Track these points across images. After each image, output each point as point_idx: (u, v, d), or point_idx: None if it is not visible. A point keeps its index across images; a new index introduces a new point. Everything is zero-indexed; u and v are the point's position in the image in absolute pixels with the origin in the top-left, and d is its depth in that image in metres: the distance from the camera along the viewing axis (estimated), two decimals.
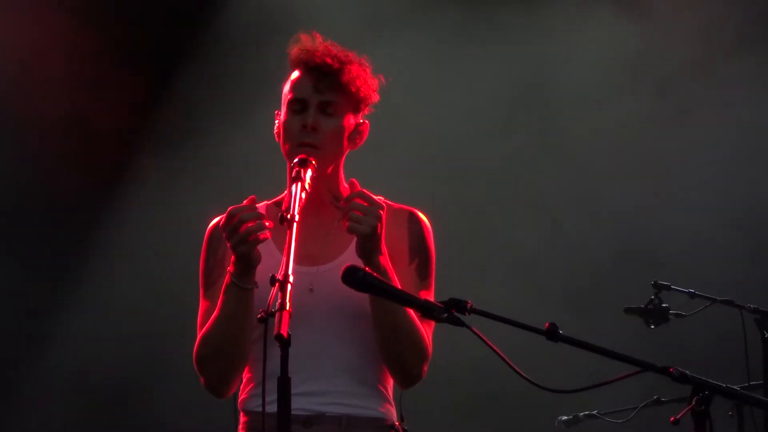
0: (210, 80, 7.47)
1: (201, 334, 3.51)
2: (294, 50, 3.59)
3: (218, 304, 3.44)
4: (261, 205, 3.63)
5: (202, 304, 3.58)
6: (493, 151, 7.54)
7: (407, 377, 3.50)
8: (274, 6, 7.30)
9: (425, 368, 3.51)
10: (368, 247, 3.36)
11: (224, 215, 3.41)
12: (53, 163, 7.27)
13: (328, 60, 3.54)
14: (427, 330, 3.50)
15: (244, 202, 3.37)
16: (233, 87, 7.37)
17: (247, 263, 3.37)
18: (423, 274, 3.57)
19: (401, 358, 3.47)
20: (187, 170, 7.43)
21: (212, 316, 3.46)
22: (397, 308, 3.40)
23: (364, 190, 3.38)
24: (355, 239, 3.41)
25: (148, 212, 7.45)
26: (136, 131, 7.46)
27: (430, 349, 3.51)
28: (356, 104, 3.59)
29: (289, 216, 3.18)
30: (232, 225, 3.32)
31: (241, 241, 3.32)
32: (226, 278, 3.41)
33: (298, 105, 3.55)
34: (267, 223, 3.33)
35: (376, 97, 3.61)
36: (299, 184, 3.34)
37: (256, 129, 6.29)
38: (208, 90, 7.47)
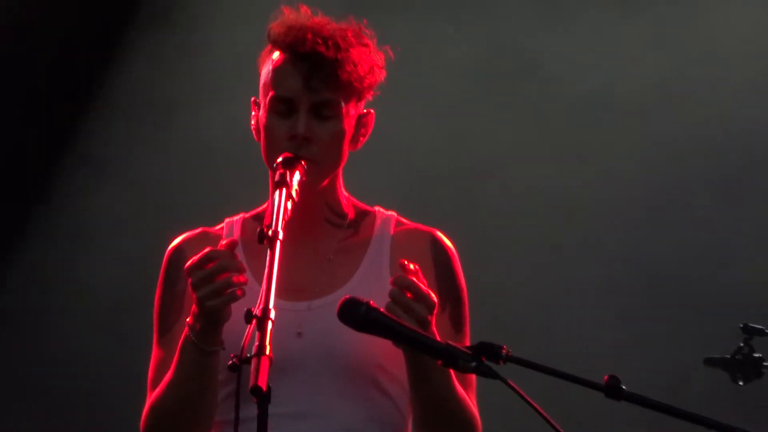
0: (175, 56, 7.03)
1: (150, 399, 2.84)
2: (275, 27, 2.85)
3: (173, 361, 2.76)
4: (237, 219, 3.00)
5: (155, 354, 2.91)
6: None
7: None
8: None
9: None
10: None
11: (189, 236, 2.88)
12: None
13: (322, 48, 2.80)
14: (470, 397, 2.86)
15: (223, 244, 2.68)
16: (202, 65, 6.92)
17: (213, 321, 2.68)
18: (457, 321, 2.89)
19: None
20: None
21: (165, 378, 2.79)
22: (442, 383, 2.75)
23: (415, 278, 2.65)
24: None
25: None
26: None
27: (479, 422, 2.85)
28: (359, 95, 2.87)
29: (270, 232, 2.52)
30: (206, 271, 2.63)
31: (213, 294, 2.63)
32: (185, 330, 2.72)
33: (283, 106, 2.83)
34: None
35: (382, 75, 2.89)
36: (284, 190, 2.68)
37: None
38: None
